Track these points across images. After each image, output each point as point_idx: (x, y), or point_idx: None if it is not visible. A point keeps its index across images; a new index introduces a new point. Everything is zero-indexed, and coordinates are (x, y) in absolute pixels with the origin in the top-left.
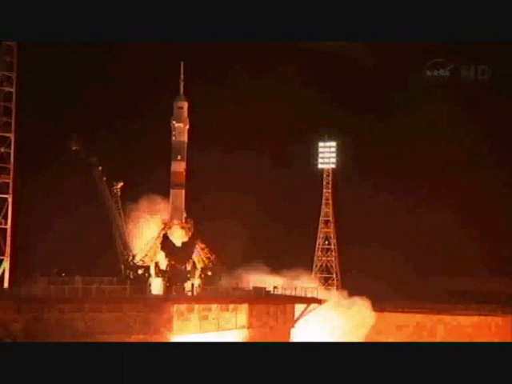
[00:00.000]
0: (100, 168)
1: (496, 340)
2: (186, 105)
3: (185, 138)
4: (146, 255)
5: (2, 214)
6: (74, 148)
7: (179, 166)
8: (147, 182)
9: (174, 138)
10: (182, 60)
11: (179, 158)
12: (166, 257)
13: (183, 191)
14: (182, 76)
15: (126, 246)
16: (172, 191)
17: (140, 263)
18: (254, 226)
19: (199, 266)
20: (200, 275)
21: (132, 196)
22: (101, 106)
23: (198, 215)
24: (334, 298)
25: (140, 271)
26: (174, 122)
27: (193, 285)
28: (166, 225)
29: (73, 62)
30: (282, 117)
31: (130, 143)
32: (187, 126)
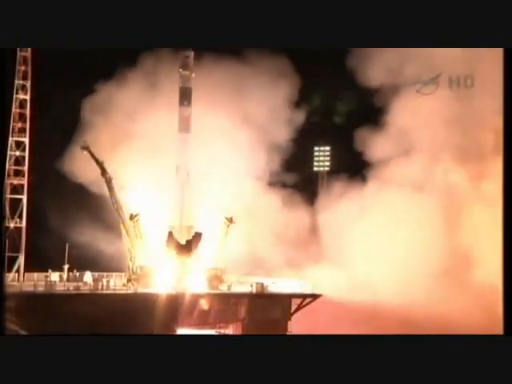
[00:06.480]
0: (109, 175)
1: None
2: (191, 54)
3: (190, 84)
4: None
5: (18, 213)
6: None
7: (186, 111)
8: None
9: (180, 84)
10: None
11: (186, 103)
12: (172, 254)
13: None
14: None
15: (134, 244)
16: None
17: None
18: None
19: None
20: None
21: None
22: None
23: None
24: None
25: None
26: (180, 70)
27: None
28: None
29: (84, 69)
30: None
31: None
32: (193, 74)
